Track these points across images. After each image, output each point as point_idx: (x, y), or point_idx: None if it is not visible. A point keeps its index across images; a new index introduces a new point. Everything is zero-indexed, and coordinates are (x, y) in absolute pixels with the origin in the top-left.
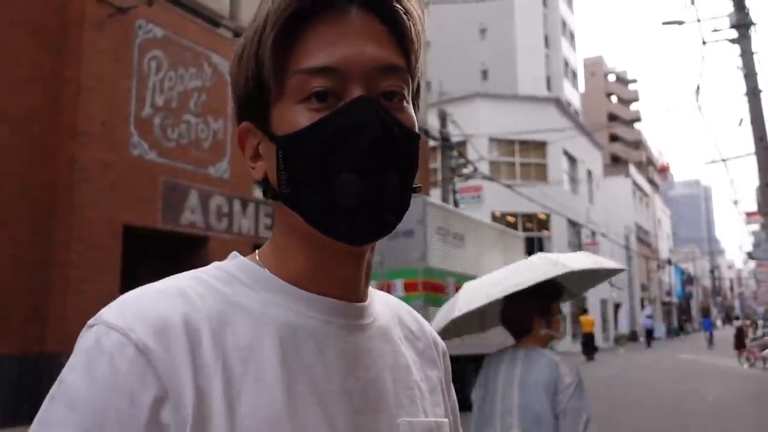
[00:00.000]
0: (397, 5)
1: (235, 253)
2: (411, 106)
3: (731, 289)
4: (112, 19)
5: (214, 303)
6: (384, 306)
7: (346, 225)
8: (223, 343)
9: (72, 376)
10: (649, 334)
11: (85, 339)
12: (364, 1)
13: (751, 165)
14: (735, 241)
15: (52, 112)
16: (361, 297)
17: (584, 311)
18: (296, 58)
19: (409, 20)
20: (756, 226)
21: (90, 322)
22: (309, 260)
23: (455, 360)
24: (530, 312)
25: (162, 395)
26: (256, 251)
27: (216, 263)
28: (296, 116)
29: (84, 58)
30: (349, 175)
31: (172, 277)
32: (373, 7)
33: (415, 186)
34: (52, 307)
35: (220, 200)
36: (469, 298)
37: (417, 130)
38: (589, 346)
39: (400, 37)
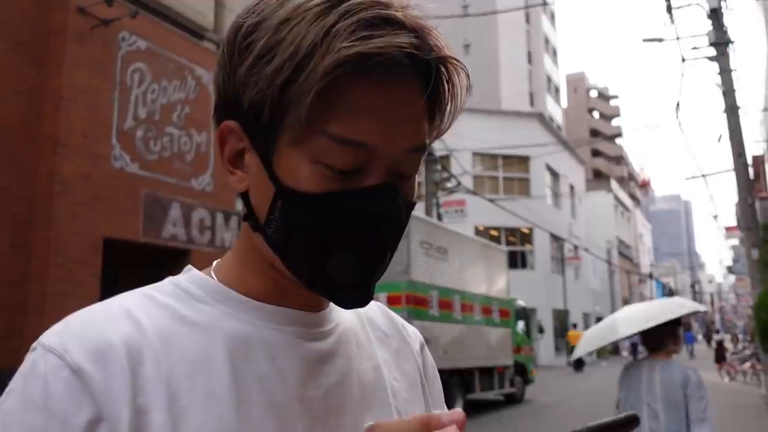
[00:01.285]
0: (443, 73)
1: (189, 266)
2: None
3: (712, 303)
4: (95, 31)
5: (162, 319)
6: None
7: (332, 293)
8: (168, 359)
9: (8, 401)
10: (634, 348)
11: (25, 362)
12: (412, 66)
13: (731, 180)
14: (715, 255)
15: (33, 124)
16: (321, 305)
17: (574, 326)
18: (331, 116)
19: (449, 92)
20: (735, 241)
21: (33, 345)
22: (269, 279)
23: (441, 373)
24: (664, 335)
25: (96, 417)
26: (213, 264)
27: (170, 278)
28: (309, 175)
29: (66, 69)
30: (350, 255)
31: (121, 294)
32: (419, 72)
33: None
34: (29, 322)
35: (203, 213)
36: (627, 326)
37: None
38: (577, 360)
39: (434, 106)
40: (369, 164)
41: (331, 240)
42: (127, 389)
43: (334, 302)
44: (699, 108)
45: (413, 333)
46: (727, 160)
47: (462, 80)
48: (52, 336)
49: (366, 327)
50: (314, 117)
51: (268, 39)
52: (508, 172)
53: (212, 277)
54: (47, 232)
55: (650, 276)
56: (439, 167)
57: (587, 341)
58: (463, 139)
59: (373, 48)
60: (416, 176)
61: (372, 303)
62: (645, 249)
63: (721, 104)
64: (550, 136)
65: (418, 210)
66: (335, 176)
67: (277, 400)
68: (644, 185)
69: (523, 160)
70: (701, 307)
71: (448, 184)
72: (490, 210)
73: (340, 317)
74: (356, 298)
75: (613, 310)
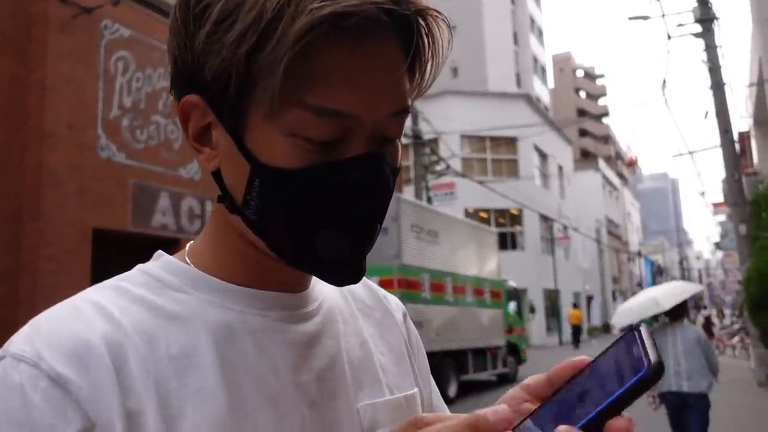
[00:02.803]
0: (422, 27)
1: (159, 252)
2: None
3: (700, 279)
4: (77, 20)
5: (139, 314)
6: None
7: (323, 272)
8: (153, 357)
9: None
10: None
11: None
12: (390, 23)
13: (717, 157)
14: (702, 232)
15: (18, 115)
16: (303, 284)
17: (575, 306)
18: (306, 85)
19: (430, 47)
20: (723, 217)
21: None
22: (249, 261)
23: (432, 355)
24: (682, 308)
25: (87, 426)
26: (187, 246)
27: (140, 266)
28: (286, 150)
29: (49, 59)
30: (339, 231)
31: (89, 289)
32: (397, 29)
33: None
34: (21, 316)
35: (192, 202)
36: (667, 300)
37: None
38: (576, 337)
39: (414, 64)
40: (351, 133)
41: (316, 217)
42: (115, 393)
43: (325, 281)
44: (685, 85)
45: (395, 303)
46: (714, 136)
47: (443, 33)
48: (20, 343)
49: (349, 301)
50: (287, 87)
51: (226, 1)
52: (496, 153)
53: (186, 263)
54: (36, 223)
55: (639, 254)
56: (427, 150)
57: (627, 314)
58: (450, 121)
59: (348, 6)
60: (400, 139)
61: None
62: (633, 227)
63: (708, 81)
64: (537, 116)
65: (408, 194)
66: (315, 148)
67: (271, 389)
68: (631, 164)
69: (511, 142)
70: (701, 287)
71: (437, 167)
72: (480, 192)
73: (323, 293)
74: (349, 275)
75: (603, 288)
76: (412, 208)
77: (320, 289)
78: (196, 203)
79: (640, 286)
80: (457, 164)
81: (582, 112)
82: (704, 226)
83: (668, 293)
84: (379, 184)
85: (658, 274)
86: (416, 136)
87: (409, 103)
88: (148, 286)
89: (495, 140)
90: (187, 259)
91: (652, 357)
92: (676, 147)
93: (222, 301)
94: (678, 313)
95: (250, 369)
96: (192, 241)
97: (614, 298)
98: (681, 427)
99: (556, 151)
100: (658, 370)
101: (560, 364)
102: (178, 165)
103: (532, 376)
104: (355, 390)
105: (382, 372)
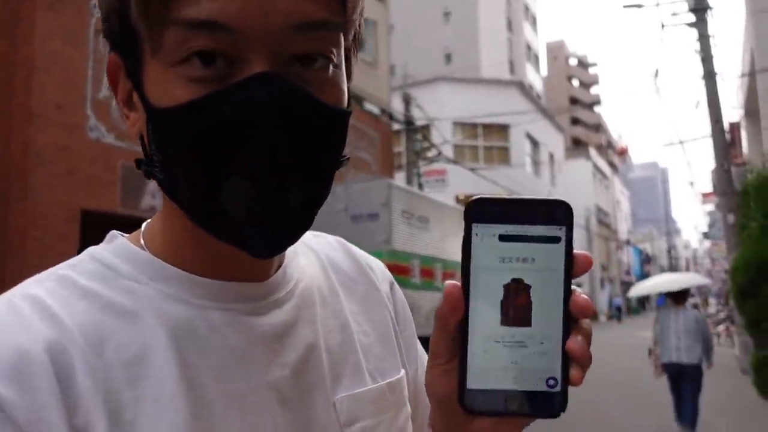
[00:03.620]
0: None
1: (113, 233)
2: (342, 70)
3: (687, 267)
4: None
5: (85, 311)
6: (309, 256)
7: (237, 235)
8: (102, 364)
9: None
10: (619, 310)
11: None
12: None
13: (708, 147)
14: (691, 221)
15: (5, 95)
16: (268, 270)
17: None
18: (176, 1)
19: None
20: (711, 206)
21: None
22: (203, 244)
23: (420, 341)
24: (685, 294)
25: None
26: (142, 226)
27: (91, 250)
28: (172, 84)
29: (37, 38)
30: (238, 179)
31: (30, 280)
32: None
33: (342, 158)
34: None
35: None
36: (676, 284)
37: (346, 103)
38: None
39: None
40: (240, 50)
41: (210, 162)
42: (59, 411)
43: (244, 249)
44: (677, 75)
45: (380, 271)
46: (705, 126)
47: None
48: None
49: (330, 275)
50: (156, 7)
51: None
52: (488, 140)
53: (142, 247)
54: (23, 204)
55: (628, 242)
56: (419, 136)
57: (643, 289)
58: (443, 108)
59: None
60: (340, 71)
61: (332, 240)
62: (623, 216)
63: (700, 70)
64: (529, 104)
65: (399, 180)
66: (201, 74)
67: (239, 392)
68: (622, 153)
69: (503, 129)
70: (706, 280)
71: (429, 154)
72: (471, 179)
73: (301, 273)
74: (265, 240)
75: (591, 276)
76: (403, 194)
77: (297, 268)
78: None
79: (629, 274)
80: (448, 151)
81: (574, 101)
82: (693, 216)
83: (678, 280)
84: (274, 112)
85: (647, 263)
86: (408, 122)
87: (325, 17)
88: (99, 277)
89: (487, 127)
90: (142, 241)
91: (563, 230)
92: (667, 136)
93: (181, 293)
94: (682, 297)
95: (215, 370)
96: (148, 221)
97: (602, 285)
98: (679, 391)
99: (547, 138)
100: (569, 207)
101: (439, 316)
102: None
103: (431, 344)
104: (332, 381)
105: (364, 357)
